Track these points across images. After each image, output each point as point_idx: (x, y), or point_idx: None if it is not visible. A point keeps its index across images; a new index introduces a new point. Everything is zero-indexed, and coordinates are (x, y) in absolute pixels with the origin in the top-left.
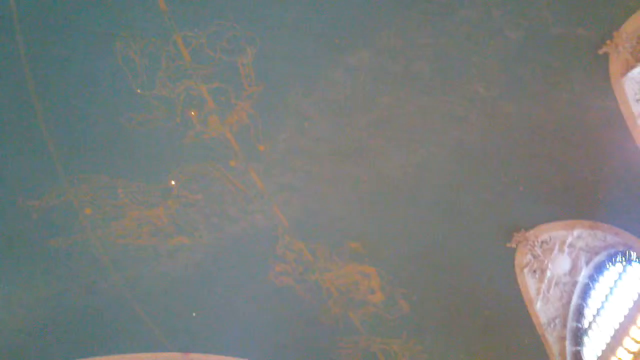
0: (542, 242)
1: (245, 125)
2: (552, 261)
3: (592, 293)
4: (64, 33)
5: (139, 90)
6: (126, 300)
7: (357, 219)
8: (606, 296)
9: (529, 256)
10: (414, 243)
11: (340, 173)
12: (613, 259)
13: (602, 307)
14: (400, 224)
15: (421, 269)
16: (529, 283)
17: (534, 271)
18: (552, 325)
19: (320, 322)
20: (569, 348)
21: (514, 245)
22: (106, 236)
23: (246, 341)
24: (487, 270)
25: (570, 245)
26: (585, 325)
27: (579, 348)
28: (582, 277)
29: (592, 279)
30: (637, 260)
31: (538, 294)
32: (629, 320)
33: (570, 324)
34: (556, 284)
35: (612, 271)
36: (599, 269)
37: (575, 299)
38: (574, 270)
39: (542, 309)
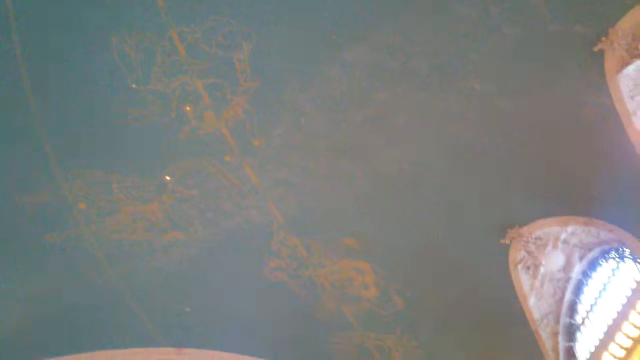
0: (536, 239)
1: (241, 120)
2: (546, 257)
3: (585, 289)
4: (59, 28)
5: (134, 86)
6: (120, 296)
7: (352, 215)
8: (599, 292)
9: (523, 252)
10: (408, 239)
11: (336, 169)
12: (606, 256)
13: (595, 303)
14: (396, 221)
15: (416, 265)
16: (522, 279)
17: (528, 267)
18: (545, 321)
19: (314, 318)
20: (562, 344)
21: (508, 242)
22: (100, 231)
23: (240, 336)
24: (481, 266)
25: (564, 242)
26: (578, 321)
27: (571, 344)
28: (575, 273)
29: (586, 275)
30: (631, 256)
31: (532, 289)
32: (621, 317)
33: (564, 319)
34: (550, 280)
35: (606, 267)
36: (593, 265)
37: (568, 295)
38: (567, 266)
39: (536, 305)
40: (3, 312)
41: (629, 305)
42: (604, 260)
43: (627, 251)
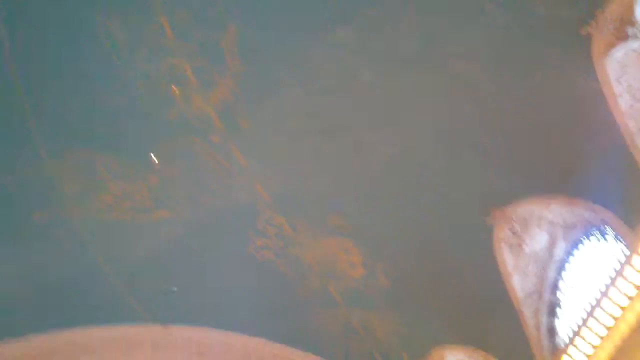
0: (520, 218)
1: (228, 101)
2: (530, 237)
3: (568, 268)
4: (44, 8)
5: (120, 65)
6: (106, 274)
7: (338, 194)
8: (581, 271)
9: (507, 232)
10: (394, 218)
11: (322, 149)
12: (589, 235)
13: (577, 281)
14: (381, 200)
15: (401, 244)
16: (506, 258)
17: (512, 246)
18: (528, 300)
19: (300, 296)
20: (544, 321)
21: (492, 221)
22: (86, 211)
23: (226, 314)
24: (466, 245)
25: (548, 221)
26: (561, 299)
27: (554, 321)
28: (558, 252)
29: (568, 254)
30: (612, 235)
31: (515, 268)
32: (603, 295)
33: (546, 298)
34: (533, 259)
35: (588, 246)
36: (575, 244)
37: (551, 274)
38: (551, 245)
39: (519, 284)
40: None
41: (611, 283)
42: (586, 239)
43: (609, 230)
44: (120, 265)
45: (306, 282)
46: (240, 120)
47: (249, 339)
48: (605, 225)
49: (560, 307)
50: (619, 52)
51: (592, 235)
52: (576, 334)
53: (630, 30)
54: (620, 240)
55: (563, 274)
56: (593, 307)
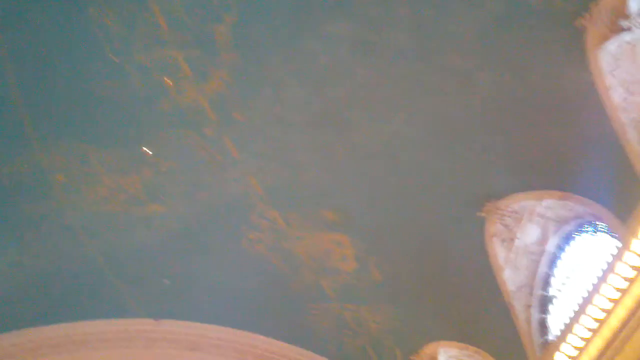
0: (512, 212)
1: (221, 93)
2: (522, 230)
3: (559, 262)
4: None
5: (113, 57)
6: (98, 268)
7: (331, 187)
8: (573, 265)
9: (499, 225)
10: (387, 212)
11: (316, 142)
12: (581, 229)
13: (569, 276)
14: (374, 193)
15: (394, 238)
16: (498, 251)
17: (504, 240)
18: (519, 293)
19: (292, 290)
20: (535, 315)
21: (484, 215)
22: (79, 203)
23: (219, 308)
24: (458, 238)
25: (540, 215)
26: (552, 294)
27: (544, 316)
28: (550, 247)
29: (560, 248)
30: (604, 230)
31: (507, 262)
32: (594, 290)
33: (537, 292)
34: (525, 252)
35: (579, 241)
36: (567, 238)
37: (542, 268)
38: (542, 239)
39: (511, 277)
40: None
41: (602, 278)
42: (578, 234)
43: (601, 225)
44: (112, 259)
45: (299, 276)
46: (234, 113)
47: (241, 334)
48: (597, 220)
49: (551, 301)
50: (613, 45)
51: (584, 229)
52: (567, 328)
53: (623, 23)
54: (612, 235)
55: (554, 268)
56: (584, 302)
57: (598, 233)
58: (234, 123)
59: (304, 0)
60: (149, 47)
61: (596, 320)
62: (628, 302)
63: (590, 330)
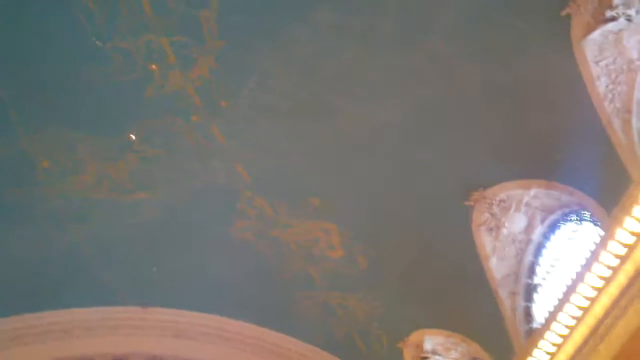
0: (499, 201)
1: (207, 80)
2: (509, 219)
3: (545, 251)
4: None
5: (97, 42)
6: (84, 255)
7: (318, 175)
8: (558, 254)
9: (486, 214)
10: (374, 200)
11: (302, 129)
12: (567, 218)
13: (554, 265)
14: (361, 181)
15: (381, 226)
16: (485, 240)
17: (491, 229)
18: (505, 282)
19: (279, 277)
20: (520, 304)
21: (471, 204)
22: (64, 190)
23: (206, 296)
24: (445, 227)
25: (527, 204)
26: (537, 282)
27: (529, 304)
28: (536, 236)
29: (545, 237)
30: (590, 219)
31: (493, 251)
32: (578, 279)
33: (523, 280)
34: (511, 241)
35: (565, 230)
36: (553, 227)
37: (528, 257)
38: (529, 228)
39: (497, 266)
40: None
41: (586, 267)
42: (564, 223)
43: (586, 214)
44: (99, 246)
45: (287, 264)
46: (220, 100)
47: (228, 322)
48: (583, 209)
49: (536, 290)
50: (597, 35)
51: (570, 219)
52: (552, 316)
53: (609, 13)
54: (597, 224)
55: (540, 257)
56: (568, 290)
57: (583, 222)
58: (221, 110)
59: None
60: (133, 32)
61: (580, 308)
62: (612, 291)
63: (574, 318)
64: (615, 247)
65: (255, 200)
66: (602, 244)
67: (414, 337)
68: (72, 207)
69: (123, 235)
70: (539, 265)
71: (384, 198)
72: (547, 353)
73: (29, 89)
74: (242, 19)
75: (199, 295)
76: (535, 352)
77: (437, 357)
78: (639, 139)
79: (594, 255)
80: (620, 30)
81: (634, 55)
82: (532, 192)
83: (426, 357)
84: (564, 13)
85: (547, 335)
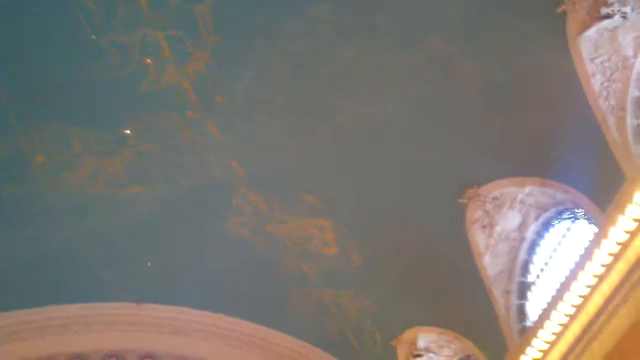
0: (493, 198)
1: (203, 75)
2: (502, 217)
3: (538, 249)
4: None
5: (93, 37)
6: (79, 250)
7: (314, 172)
8: (551, 252)
9: (480, 212)
10: (369, 197)
11: (298, 126)
12: (561, 216)
13: (547, 263)
14: (356, 178)
15: (375, 223)
16: (478, 238)
17: (484, 226)
18: (499, 279)
19: (274, 274)
20: (513, 301)
21: (466, 201)
22: (60, 185)
23: (200, 292)
24: (439, 224)
25: (521, 202)
26: (530, 280)
27: (523, 302)
28: (530, 233)
29: (539, 235)
30: (584, 217)
31: (487, 248)
32: (571, 277)
33: (517, 278)
34: (505, 239)
35: (559, 228)
36: (547, 225)
37: (522, 255)
38: (523, 226)
39: (491, 264)
40: None
41: (579, 265)
42: (558, 221)
43: (580, 212)
44: (94, 241)
45: (281, 260)
46: (215, 95)
47: (222, 318)
48: (577, 207)
49: (530, 288)
50: (593, 32)
51: (564, 216)
52: (545, 314)
53: (604, 10)
54: (590, 222)
55: (533, 255)
56: (562, 288)
57: (577, 220)
58: (216, 105)
59: None
60: (129, 26)
61: (573, 306)
62: (605, 289)
63: (567, 316)
64: (608, 245)
65: (251, 196)
66: (596, 242)
67: (407, 334)
68: (68, 202)
69: (119, 231)
70: (533, 263)
71: (379, 196)
72: (540, 351)
73: (24, 86)
74: (238, 13)
75: (194, 291)
76: (529, 350)
77: (430, 354)
78: (633, 137)
79: (588, 254)
80: (616, 28)
81: (629, 52)
82: (527, 189)
83: (419, 355)
84: (559, 10)
85: (540, 333)
